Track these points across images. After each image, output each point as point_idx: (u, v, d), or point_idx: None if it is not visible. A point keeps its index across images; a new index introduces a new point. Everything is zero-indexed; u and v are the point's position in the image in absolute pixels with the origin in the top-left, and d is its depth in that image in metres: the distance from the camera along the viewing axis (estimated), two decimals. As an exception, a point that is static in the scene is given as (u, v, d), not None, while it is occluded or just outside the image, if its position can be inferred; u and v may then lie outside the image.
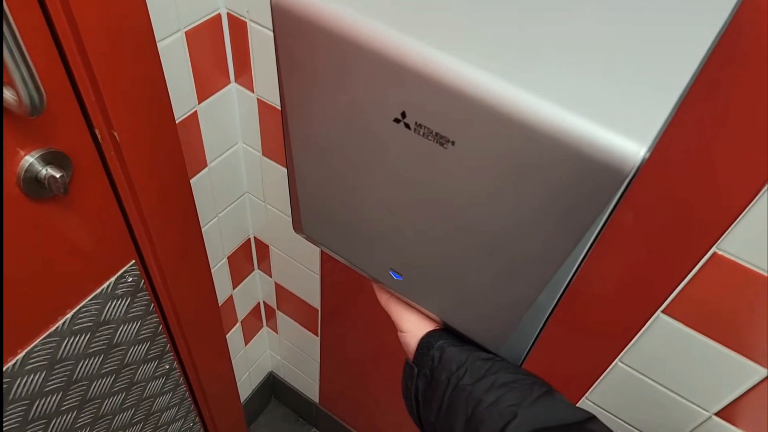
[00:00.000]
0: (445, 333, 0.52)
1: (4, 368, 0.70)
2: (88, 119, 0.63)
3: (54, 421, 0.83)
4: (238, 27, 0.73)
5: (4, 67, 0.46)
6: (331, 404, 1.45)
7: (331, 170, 0.48)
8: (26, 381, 0.74)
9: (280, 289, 1.18)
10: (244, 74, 0.79)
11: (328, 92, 0.42)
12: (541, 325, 0.46)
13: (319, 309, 1.13)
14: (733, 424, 0.66)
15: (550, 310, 0.44)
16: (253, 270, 1.17)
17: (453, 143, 0.37)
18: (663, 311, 0.62)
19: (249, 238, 1.08)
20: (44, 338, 0.73)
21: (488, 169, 0.37)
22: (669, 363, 0.66)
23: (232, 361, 1.27)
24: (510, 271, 0.43)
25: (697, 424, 0.69)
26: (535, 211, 0.37)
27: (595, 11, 0.37)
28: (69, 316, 0.76)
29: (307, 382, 1.43)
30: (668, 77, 0.33)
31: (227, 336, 1.19)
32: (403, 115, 0.38)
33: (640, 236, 0.58)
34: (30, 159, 0.59)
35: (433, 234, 0.45)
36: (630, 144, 0.31)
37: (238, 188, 0.97)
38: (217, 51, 0.75)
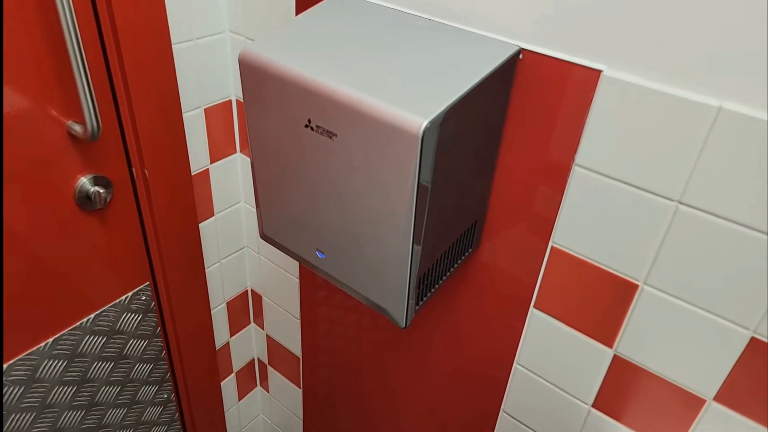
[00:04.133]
0: None
1: (41, 345, 0.91)
2: (128, 157, 0.90)
3: (65, 414, 1.01)
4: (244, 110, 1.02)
5: (79, 101, 0.74)
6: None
7: (275, 172, 0.72)
8: (51, 365, 0.94)
9: (271, 342, 1.36)
10: (247, 147, 1.07)
11: (270, 112, 0.67)
12: (408, 277, 0.66)
13: (300, 358, 1.30)
14: (612, 416, 0.79)
15: (410, 261, 0.64)
16: (249, 323, 1.37)
17: (336, 135, 0.62)
18: (534, 306, 0.79)
19: (246, 290, 1.30)
20: (72, 329, 0.95)
21: (353, 148, 0.61)
22: (551, 358, 0.82)
23: (226, 414, 1.41)
24: (379, 233, 0.64)
25: (582, 420, 0.82)
26: (380, 176, 0.60)
27: (418, 53, 0.62)
28: (92, 315, 0.97)
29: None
30: (452, 90, 0.57)
31: (222, 383, 1.36)
32: (309, 121, 0.63)
33: (509, 246, 0.78)
34: (84, 180, 0.86)
35: (337, 213, 0.68)
36: (419, 118, 0.55)
37: (238, 241, 1.21)
38: (227, 126, 1.04)
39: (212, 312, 1.22)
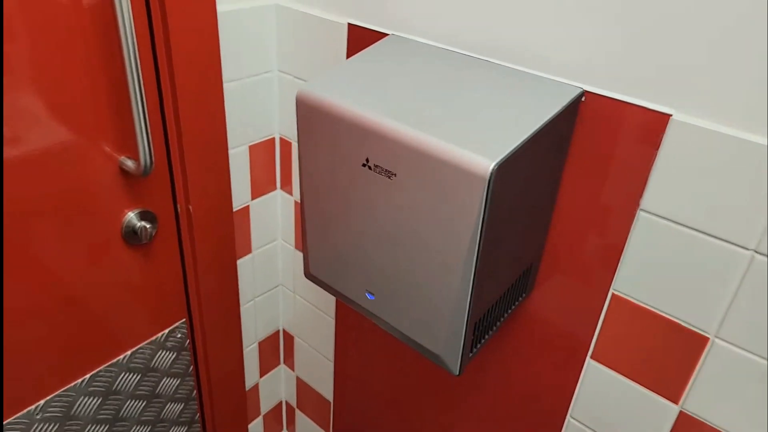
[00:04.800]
0: None
1: (78, 382, 0.89)
2: (174, 194, 0.90)
3: (95, 454, 0.98)
4: (287, 147, 1.02)
5: (134, 137, 0.74)
6: None
7: (327, 210, 0.71)
8: (87, 402, 0.92)
9: (300, 385, 1.32)
10: (287, 184, 1.07)
11: (325, 150, 0.66)
12: (465, 322, 0.63)
13: (332, 402, 1.26)
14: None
15: (468, 305, 0.62)
16: (279, 364, 1.33)
17: (395, 175, 0.60)
18: (591, 356, 0.76)
19: (278, 330, 1.28)
20: (109, 365, 0.93)
21: (413, 189, 0.59)
22: (608, 413, 0.77)
23: (251, 458, 1.37)
24: (436, 275, 0.62)
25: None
26: (441, 218, 0.58)
27: (477, 94, 0.61)
28: (129, 352, 0.95)
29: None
30: (517, 132, 0.56)
31: (249, 426, 1.32)
32: (367, 160, 0.62)
33: (564, 288, 0.75)
34: (131, 214, 0.86)
35: (391, 254, 0.66)
36: (486, 160, 0.53)
37: (273, 279, 1.19)
38: (269, 164, 1.04)
39: (244, 351, 1.20)
